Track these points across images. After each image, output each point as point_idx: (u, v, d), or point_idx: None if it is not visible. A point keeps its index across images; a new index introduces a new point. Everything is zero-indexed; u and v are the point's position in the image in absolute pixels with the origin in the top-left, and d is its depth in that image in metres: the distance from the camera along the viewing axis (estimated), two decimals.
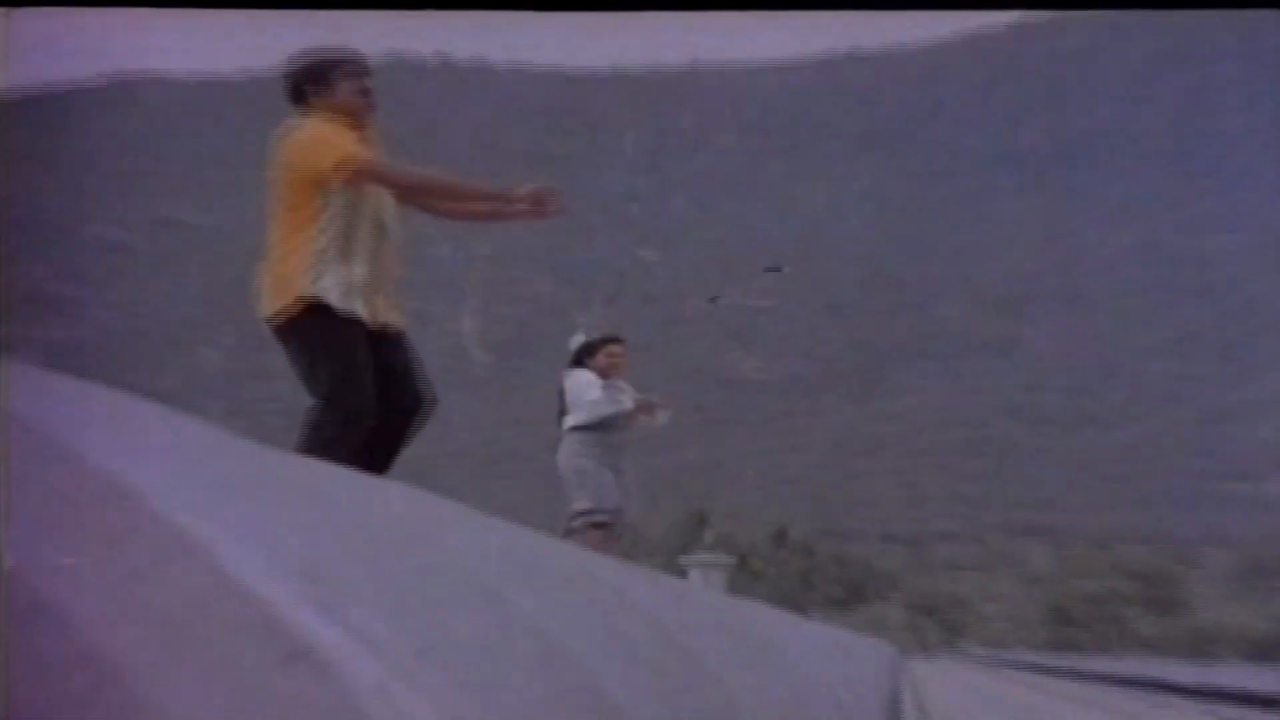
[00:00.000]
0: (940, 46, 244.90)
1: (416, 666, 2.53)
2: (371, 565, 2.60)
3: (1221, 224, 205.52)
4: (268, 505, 2.57)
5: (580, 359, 11.29)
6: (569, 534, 10.68)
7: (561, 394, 11.23)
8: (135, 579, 2.07)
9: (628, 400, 11.13)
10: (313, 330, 7.28)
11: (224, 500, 2.42)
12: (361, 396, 7.30)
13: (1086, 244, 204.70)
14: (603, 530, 10.70)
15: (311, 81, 7.49)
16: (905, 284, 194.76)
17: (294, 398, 7.45)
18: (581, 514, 10.90)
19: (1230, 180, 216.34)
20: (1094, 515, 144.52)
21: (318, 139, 7.34)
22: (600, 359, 11.22)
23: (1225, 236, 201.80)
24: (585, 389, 11.10)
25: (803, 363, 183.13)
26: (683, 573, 25.36)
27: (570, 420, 11.09)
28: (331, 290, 7.27)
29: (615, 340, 11.44)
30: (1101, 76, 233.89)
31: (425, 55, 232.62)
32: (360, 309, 7.32)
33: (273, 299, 7.29)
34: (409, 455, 7.33)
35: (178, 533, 2.18)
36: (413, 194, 7.63)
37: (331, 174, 7.25)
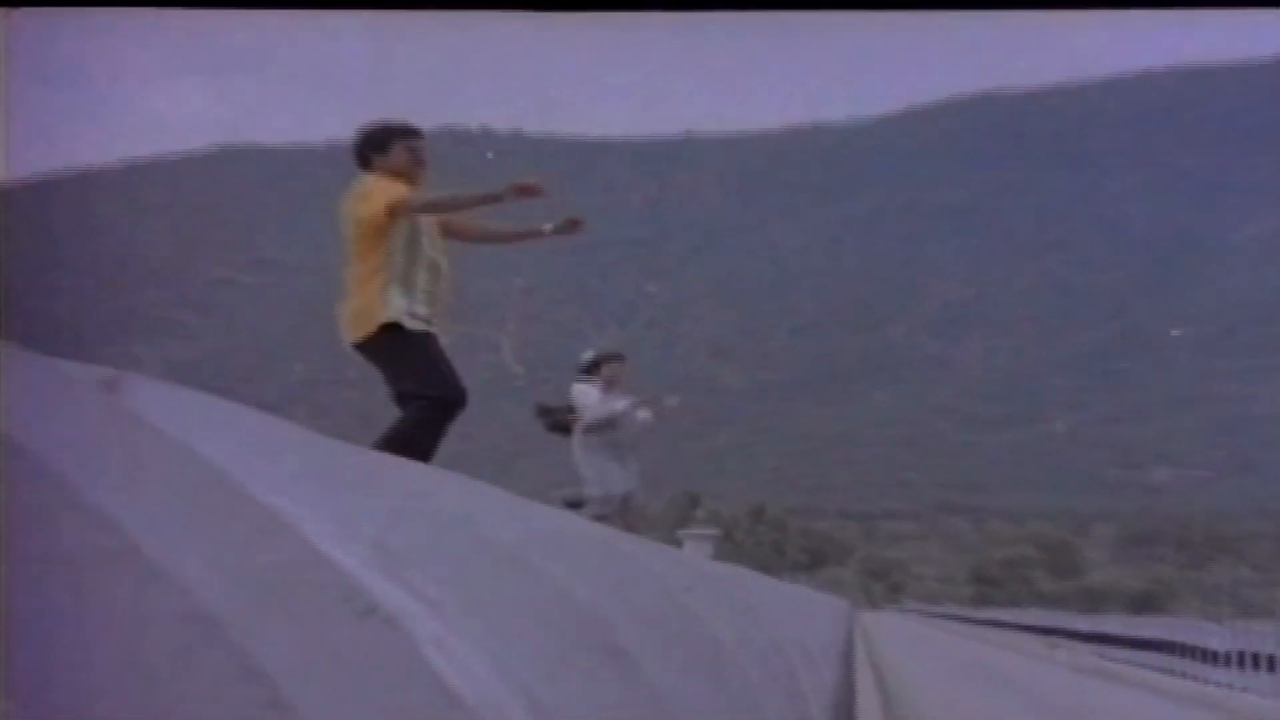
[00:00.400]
0: (884, 119, 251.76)
1: (466, 622, 2.51)
2: (429, 537, 2.59)
3: (1104, 263, 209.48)
4: (343, 489, 2.57)
5: (589, 371, 11.49)
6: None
7: (570, 409, 11.33)
8: (236, 550, 2.06)
9: (619, 405, 11.23)
10: (393, 346, 7.51)
11: (308, 485, 2.42)
12: (450, 384, 7.56)
13: (1002, 279, 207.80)
14: (606, 518, 10.42)
15: (372, 148, 7.71)
16: (859, 312, 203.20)
17: (364, 402, 7.85)
18: (592, 500, 11.00)
19: (1108, 225, 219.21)
20: (1009, 496, 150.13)
21: (373, 190, 7.56)
22: (605, 371, 11.42)
23: (1109, 274, 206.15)
24: (583, 398, 11.31)
25: (776, 374, 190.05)
26: (678, 543, 25.35)
27: (581, 424, 11.20)
28: (401, 313, 7.48)
29: (618, 357, 11.70)
30: (1016, 150, 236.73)
31: (470, 126, 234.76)
32: (423, 324, 7.56)
33: (356, 327, 7.53)
34: (456, 449, 7.55)
35: (271, 513, 2.17)
36: (440, 212, 7.78)
37: (386, 215, 7.49)
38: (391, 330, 7.50)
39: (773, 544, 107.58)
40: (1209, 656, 31.84)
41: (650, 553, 5.10)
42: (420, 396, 7.51)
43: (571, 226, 8.18)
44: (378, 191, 7.55)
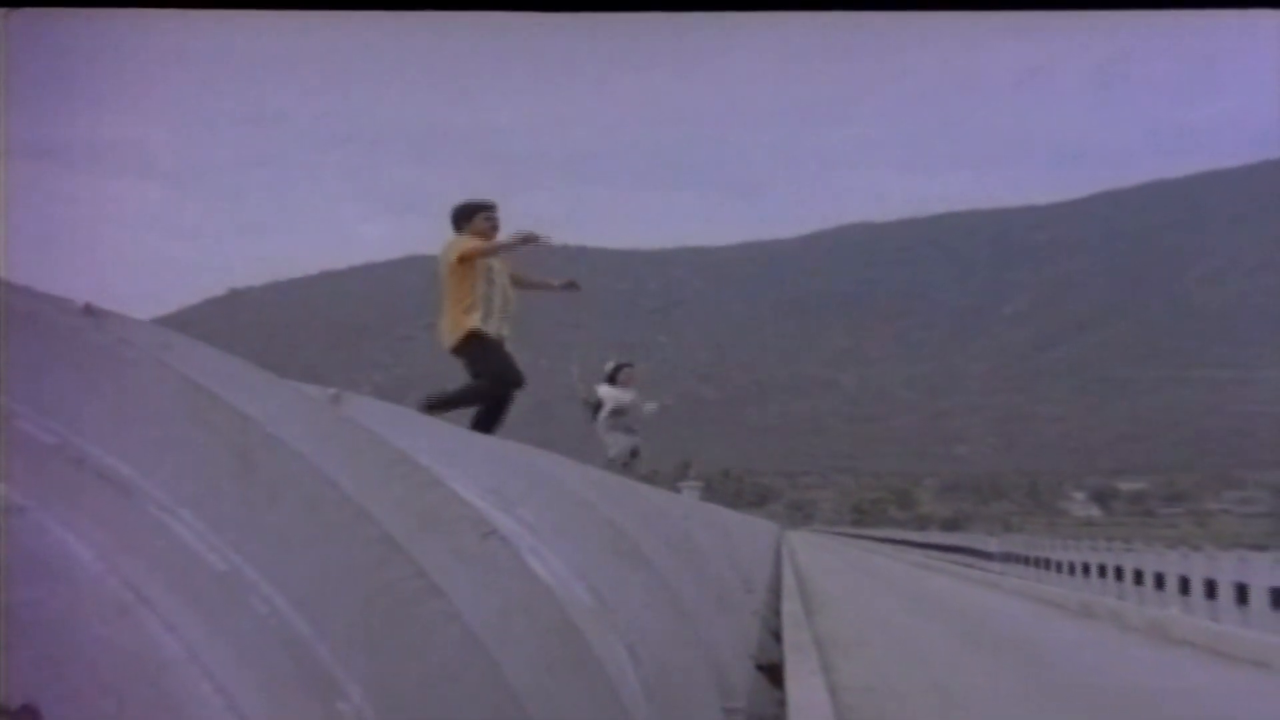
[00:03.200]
0: (812, 237, 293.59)
1: (551, 539, 2.84)
2: (528, 487, 2.91)
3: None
4: (477, 459, 2.89)
5: (612, 376, 13.09)
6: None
7: (599, 402, 12.87)
8: (411, 497, 2.35)
9: (626, 397, 12.84)
10: (474, 347, 8.61)
11: (457, 458, 2.72)
12: (514, 373, 8.70)
13: (882, 370, 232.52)
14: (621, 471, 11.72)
15: (462, 219, 8.89)
16: (793, 366, 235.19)
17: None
18: (611, 460, 12.19)
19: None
20: (873, 463, 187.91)
21: (455, 245, 8.77)
22: (622, 376, 13.06)
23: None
24: (608, 394, 12.88)
25: (735, 393, 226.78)
26: (678, 491, 26.76)
27: (603, 412, 12.71)
28: (480, 324, 8.61)
29: (630, 365, 13.38)
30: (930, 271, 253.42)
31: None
32: (495, 333, 8.68)
33: (451, 336, 8.64)
34: (543, 435, 8.67)
35: (434, 476, 2.44)
36: (488, 256, 8.75)
37: (459, 261, 8.64)
38: (474, 336, 8.56)
39: (735, 491, 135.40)
40: (988, 556, 38.93)
41: (662, 496, 5.54)
42: (492, 378, 8.60)
43: (572, 287, 9.71)
44: (458, 246, 8.71)
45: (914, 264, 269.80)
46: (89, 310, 1.83)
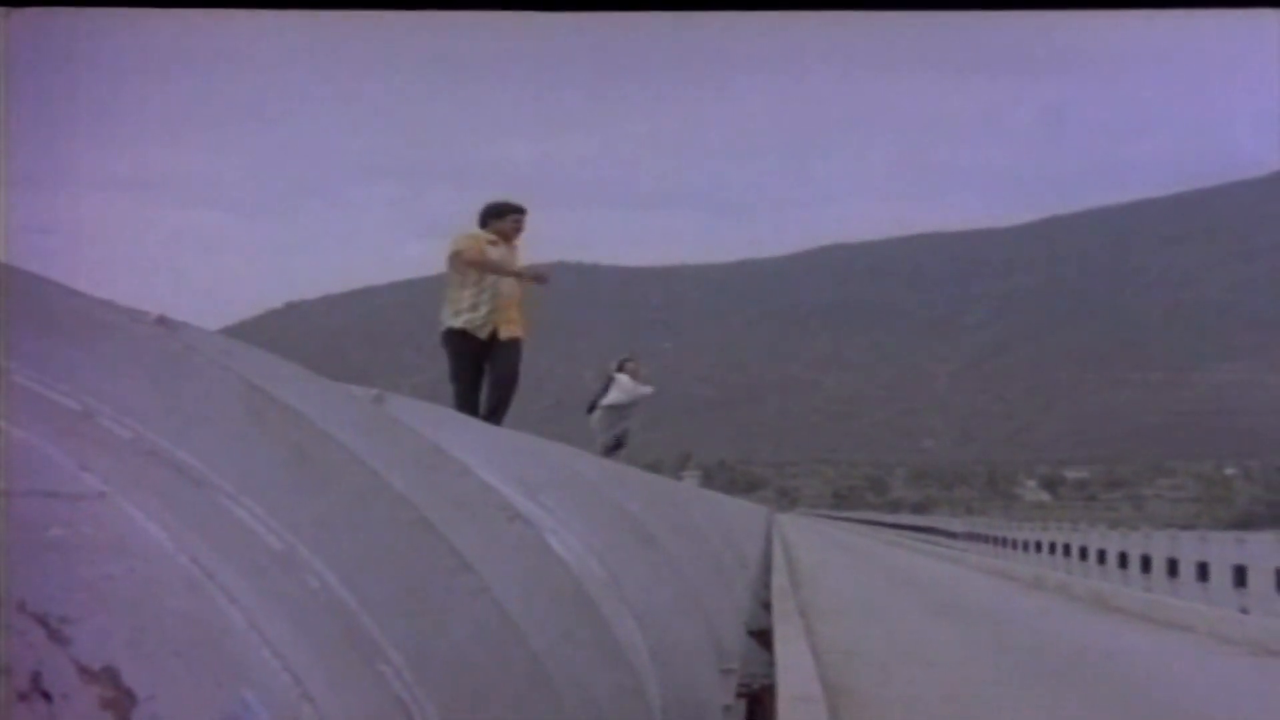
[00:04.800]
0: (797, 256, 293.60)
1: (570, 522, 2.82)
2: (549, 476, 2.89)
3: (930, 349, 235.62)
4: (504, 451, 2.86)
5: (621, 366, 12.57)
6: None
7: (606, 387, 12.37)
8: (444, 483, 2.33)
9: (646, 390, 12.57)
10: (450, 347, 7.92)
11: (486, 451, 2.70)
12: (468, 379, 7.84)
13: (859, 373, 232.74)
14: (617, 451, 11.65)
15: (492, 216, 8.05)
16: (781, 369, 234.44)
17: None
18: (607, 445, 11.84)
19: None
20: (850, 454, 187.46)
21: (461, 237, 7.98)
22: (628, 367, 12.56)
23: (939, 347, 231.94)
24: (616, 383, 12.32)
25: (732, 394, 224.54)
26: (680, 479, 26.61)
27: (606, 399, 12.21)
28: (459, 322, 7.82)
29: (634, 358, 12.89)
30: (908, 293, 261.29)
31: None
32: (478, 330, 7.79)
33: (441, 325, 7.96)
34: (558, 432, 7.91)
35: (464, 467, 2.42)
36: (484, 270, 7.89)
37: (451, 257, 7.86)
38: (450, 335, 7.86)
39: (730, 479, 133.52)
40: (953, 535, 39.48)
41: (667, 484, 5.52)
42: (452, 378, 7.90)
43: (541, 278, 8.34)
44: (461, 241, 7.93)
45: (886, 280, 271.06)
46: (162, 321, 1.83)
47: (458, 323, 7.81)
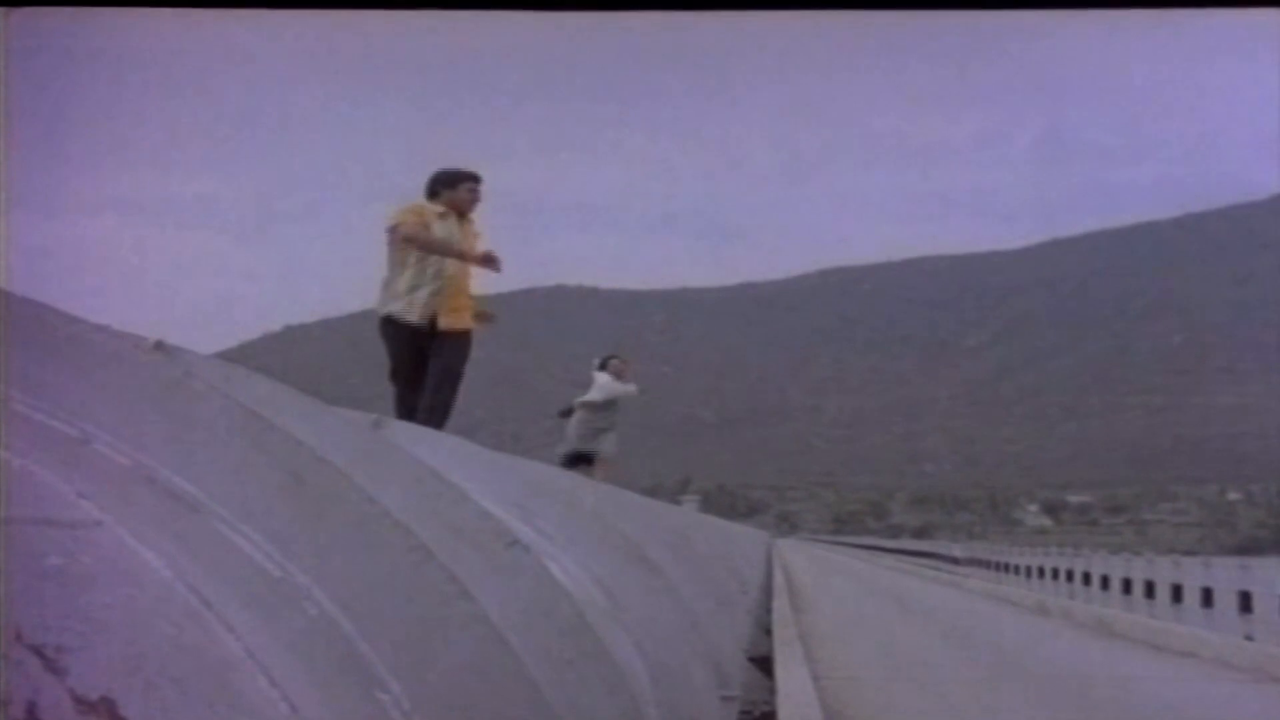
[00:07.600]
0: (798, 279, 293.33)
1: (567, 546, 2.81)
2: (547, 502, 2.88)
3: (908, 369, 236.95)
4: (504, 477, 2.86)
5: (604, 364, 11.62)
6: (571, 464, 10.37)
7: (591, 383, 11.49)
8: (445, 509, 2.33)
9: (632, 389, 11.65)
10: (385, 336, 6.70)
11: (490, 480, 2.70)
12: (403, 372, 6.68)
13: (860, 397, 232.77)
14: (599, 466, 10.54)
15: (444, 185, 6.85)
16: (781, 393, 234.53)
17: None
18: (567, 455, 10.83)
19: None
20: (851, 479, 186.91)
21: (403, 212, 6.80)
22: (612, 366, 11.62)
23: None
24: (604, 381, 11.35)
25: (730, 416, 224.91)
26: (679, 504, 26.34)
27: (586, 397, 11.26)
28: (395, 309, 6.69)
29: (619, 357, 11.87)
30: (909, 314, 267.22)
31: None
32: (416, 319, 6.64)
33: (378, 310, 6.84)
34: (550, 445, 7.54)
35: (463, 492, 2.42)
36: (428, 250, 6.71)
37: (389, 231, 6.71)
38: (384, 322, 6.71)
39: (729, 504, 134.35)
40: (954, 560, 39.62)
41: (667, 509, 5.51)
42: (391, 374, 6.75)
43: (491, 263, 6.87)
44: (401, 213, 6.75)
45: (887, 303, 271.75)
46: (160, 346, 1.83)
47: (392, 309, 6.63)
